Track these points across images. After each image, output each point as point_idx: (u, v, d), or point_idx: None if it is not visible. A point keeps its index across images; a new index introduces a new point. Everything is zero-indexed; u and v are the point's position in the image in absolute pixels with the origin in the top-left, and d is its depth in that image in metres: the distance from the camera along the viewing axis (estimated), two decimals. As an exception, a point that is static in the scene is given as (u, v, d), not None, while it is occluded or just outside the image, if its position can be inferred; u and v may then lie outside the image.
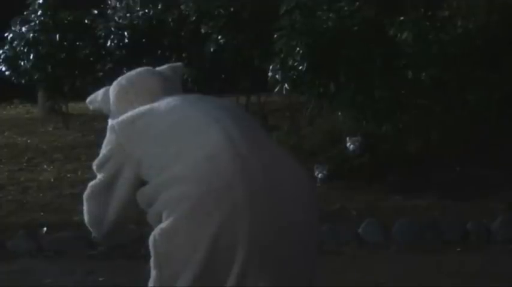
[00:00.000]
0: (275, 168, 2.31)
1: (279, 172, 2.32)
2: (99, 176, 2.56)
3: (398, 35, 6.22)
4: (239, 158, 2.26)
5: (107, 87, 2.70)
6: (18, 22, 8.55)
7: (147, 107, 2.50)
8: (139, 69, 2.72)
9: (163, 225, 2.31)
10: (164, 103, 2.48)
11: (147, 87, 2.58)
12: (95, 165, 2.59)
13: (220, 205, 2.22)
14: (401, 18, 6.07)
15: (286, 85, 6.72)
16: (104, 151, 2.57)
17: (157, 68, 2.75)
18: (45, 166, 7.17)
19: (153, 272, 2.35)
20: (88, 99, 2.78)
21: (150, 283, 2.37)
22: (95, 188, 2.57)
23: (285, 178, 2.32)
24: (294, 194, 2.32)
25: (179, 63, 2.89)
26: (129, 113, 2.50)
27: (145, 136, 2.43)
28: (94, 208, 2.56)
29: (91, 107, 2.79)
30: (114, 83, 2.68)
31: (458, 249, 5.17)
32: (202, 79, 8.42)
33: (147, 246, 2.34)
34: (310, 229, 2.38)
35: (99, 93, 2.72)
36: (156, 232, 2.33)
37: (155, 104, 2.48)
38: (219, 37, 7.93)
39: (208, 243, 2.22)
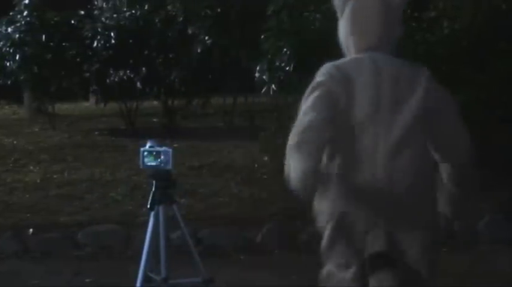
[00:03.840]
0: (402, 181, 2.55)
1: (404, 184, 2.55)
2: (308, 116, 2.53)
3: (385, 35, 6.19)
4: (372, 173, 2.52)
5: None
6: (4, 22, 8.52)
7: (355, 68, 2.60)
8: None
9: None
10: (370, 80, 2.58)
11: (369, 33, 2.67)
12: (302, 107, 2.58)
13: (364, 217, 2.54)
14: (388, 19, 6.05)
15: (273, 86, 6.69)
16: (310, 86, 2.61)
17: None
18: (31, 167, 7.12)
19: None
20: None
21: None
22: (308, 130, 2.52)
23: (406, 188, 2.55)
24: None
25: None
26: (338, 63, 2.65)
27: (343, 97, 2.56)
28: (307, 157, 2.48)
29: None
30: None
31: (445, 249, 5.05)
32: (189, 80, 8.41)
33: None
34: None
35: None
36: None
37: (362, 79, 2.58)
38: (206, 38, 7.92)
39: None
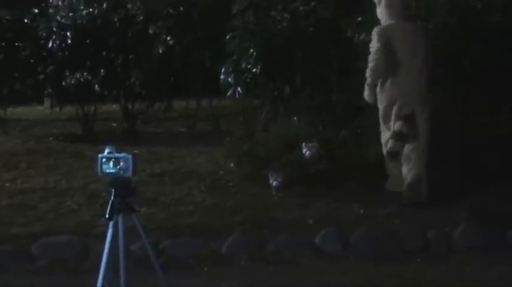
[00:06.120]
0: None
1: None
2: (374, 57, 5.74)
3: (356, 36, 6.21)
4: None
5: None
6: (-48, 21, 8.37)
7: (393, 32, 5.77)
8: None
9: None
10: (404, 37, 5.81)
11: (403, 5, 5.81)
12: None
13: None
14: (359, 19, 6.06)
15: (239, 88, 6.69)
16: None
17: None
18: (-19, 175, 6.98)
19: None
20: None
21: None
22: (374, 64, 5.76)
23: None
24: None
25: None
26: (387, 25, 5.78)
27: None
28: (374, 68, 5.72)
29: None
30: None
31: (419, 259, 5.12)
32: (150, 82, 8.43)
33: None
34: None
35: None
36: None
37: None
38: (168, 38, 7.91)
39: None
